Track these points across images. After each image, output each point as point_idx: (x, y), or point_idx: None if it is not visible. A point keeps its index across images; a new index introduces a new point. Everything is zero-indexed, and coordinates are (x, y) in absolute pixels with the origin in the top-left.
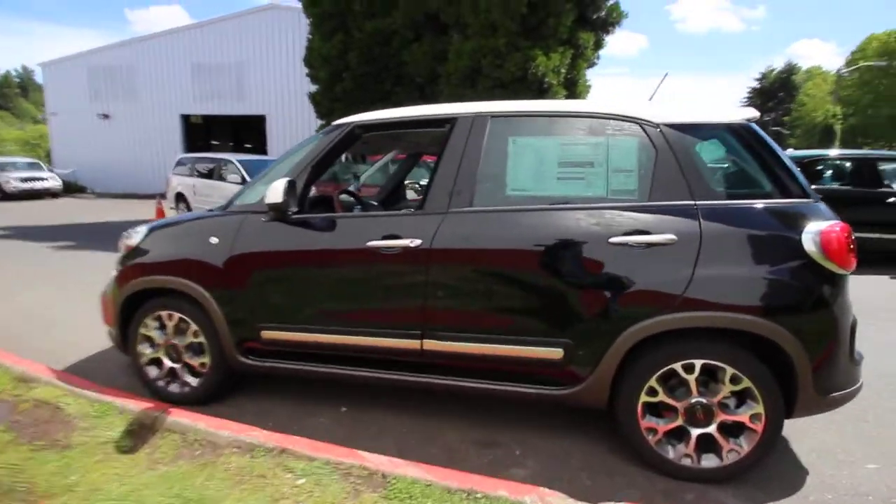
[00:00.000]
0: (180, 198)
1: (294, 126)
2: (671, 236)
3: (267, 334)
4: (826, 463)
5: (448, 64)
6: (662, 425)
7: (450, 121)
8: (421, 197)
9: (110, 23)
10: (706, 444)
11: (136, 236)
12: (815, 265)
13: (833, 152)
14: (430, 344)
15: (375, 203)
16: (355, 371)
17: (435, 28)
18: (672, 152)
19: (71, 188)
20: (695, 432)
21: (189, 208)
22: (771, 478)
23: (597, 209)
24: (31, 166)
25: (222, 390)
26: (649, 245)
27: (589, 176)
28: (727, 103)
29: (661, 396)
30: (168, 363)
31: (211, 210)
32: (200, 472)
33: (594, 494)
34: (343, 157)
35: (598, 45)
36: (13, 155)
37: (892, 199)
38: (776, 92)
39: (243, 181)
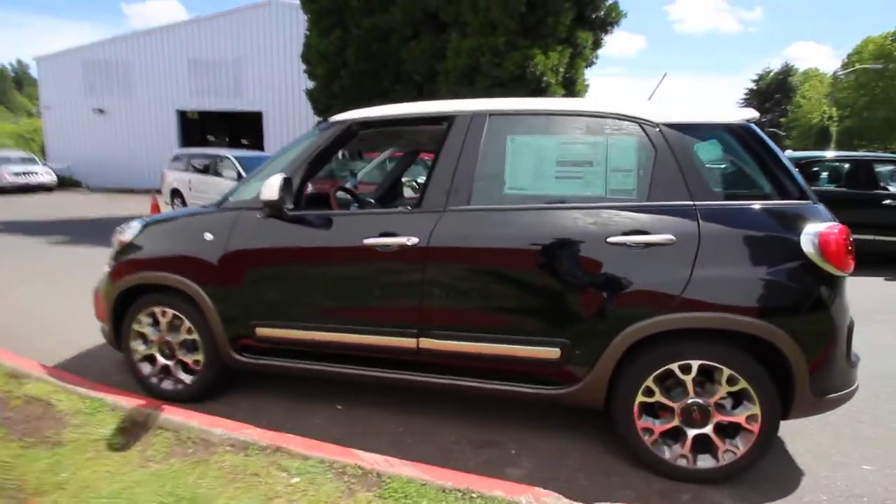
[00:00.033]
0: (176, 193)
1: (291, 123)
2: (669, 236)
3: (262, 332)
4: (821, 464)
5: (446, 62)
6: (659, 426)
7: (448, 118)
8: (418, 195)
9: (107, 17)
10: (702, 445)
11: (129, 232)
12: (813, 267)
13: (829, 154)
14: (427, 343)
15: (372, 200)
16: (351, 369)
17: (434, 26)
18: (671, 152)
19: (65, 183)
20: (691, 433)
21: (185, 204)
22: (766, 478)
23: (595, 209)
24: (25, 160)
25: (216, 388)
26: (647, 245)
27: (587, 175)
28: (725, 104)
29: (658, 397)
30: (161, 360)
31: (206, 206)
32: (193, 471)
33: (590, 495)
34: (340, 154)
35: (597, 44)
36: (7, 149)
37: (887, 201)
38: (773, 93)
39: (239, 177)
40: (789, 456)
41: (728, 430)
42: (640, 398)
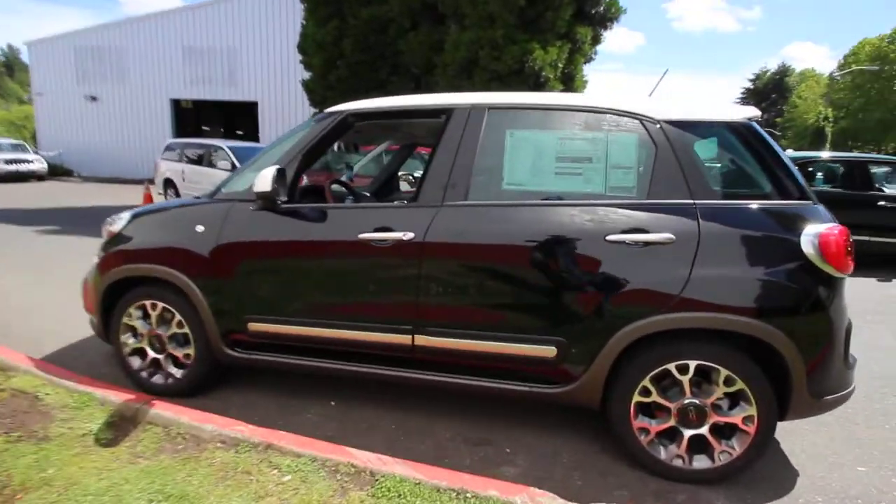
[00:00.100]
0: (169, 183)
1: (287, 114)
2: (669, 235)
3: (254, 326)
4: (816, 465)
5: (445, 55)
6: (655, 426)
7: (446, 111)
8: (415, 189)
9: (100, 2)
10: (698, 445)
11: (119, 222)
12: (812, 268)
13: (825, 154)
14: (422, 339)
15: (368, 194)
16: (345, 365)
17: (432, 18)
18: (672, 150)
19: (57, 171)
20: (687, 433)
21: (178, 194)
22: (762, 479)
23: (594, 206)
24: (16, 148)
25: (207, 382)
26: (647, 244)
27: (587, 172)
28: (724, 103)
29: (655, 397)
30: (152, 354)
31: (198, 197)
32: (183, 467)
33: (585, 495)
34: (335, 147)
35: (596, 40)
36: None
37: (882, 202)
38: (769, 93)
39: (233, 168)
40: (784, 456)
41: (724, 431)
42: (636, 398)
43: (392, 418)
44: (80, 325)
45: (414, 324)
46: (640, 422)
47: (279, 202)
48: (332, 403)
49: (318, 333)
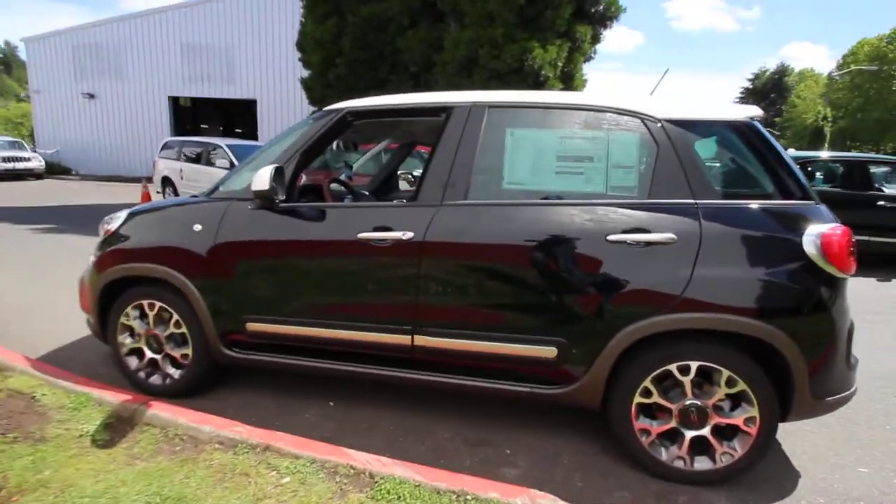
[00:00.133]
0: (167, 182)
1: (286, 111)
2: (671, 235)
3: (252, 326)
4: (818, 466)
5: (444, 53)
6: (656, 427)
7: (446, 110)
8: (414, 188)
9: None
10: (699, 447)
11: (115, 221)
12: (814, 268)
13: (824, 154)
14: (421, 340)
15: (367, 193)
16: (344, 366)
17: (432, 16)
18: (673, 149)
19: (54, 169)
20: (688, 434)
21: (176, 193)
22: (763, 480)
23: (595, 205)
24: (13, 146)
25: (205, 383)
26: (648, 244)
27: (588, 171)
28: (724, 102)
29: (656, 398)
30: (149, 354)
31: (195, 196)
32: (180, 469)
33: (586, 496)
34: (334, 145)
35: (596, 39)
36: None
37: (881, 202)
38: (768, 93)
39: (232, 166)
40: (786, 457)
41: (726, 432)
42: (637, 399)
43: (391, 418)
44: (77, 325)
45: (413, 324)
46: (641, 423)
47: (277, 201)
48: (331, 404)
49: (316, 334)
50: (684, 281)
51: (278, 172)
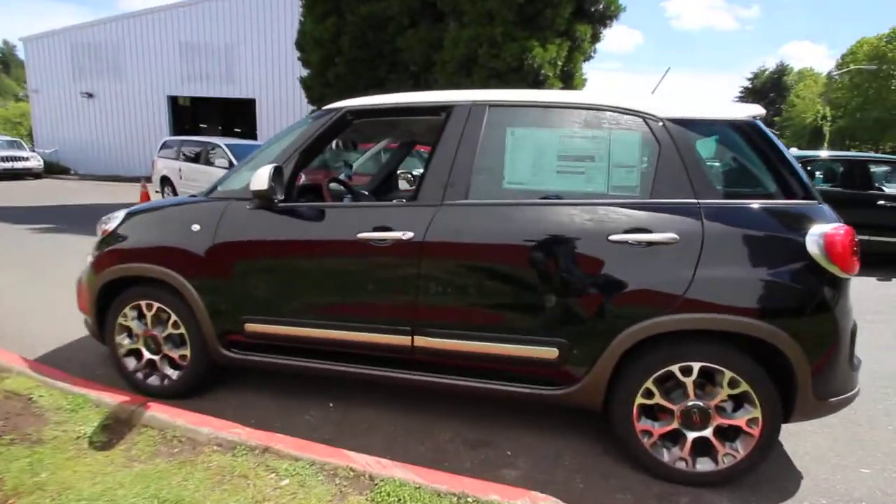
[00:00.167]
0: (166, 181)
1: (285, 111)
2: (673, 235)
3: (251, 327)
4: (820, 467)
5: (444, 52)
6: (658, 428)
7: (446, 108)
8: (414, 188)
9: None
10: (702, 448)
11: (113, 221)
12: (817, 268)
13: (824, 153)
14: (421, 341)
15: (366, 193)
16: (344, 367)
17: (431, 15)
18: (676, 148)
19: (53, 169)
20: (690, 436)
21: (175, 192)
22: (766, 481)
23: (596, 205)
24: (12, 145)
25: (204, 383)
26: (650, 244)
27: (589, 170)
28: (727, 100)
29: (658, 399)
30: (147, 355)
31: (193, 195)
32: (179, 472)
33: (587, 498)
34: (333, 145)
35: (595, 38)
36: None
37: (882, 202)
38: (767, 92)
39: (231, 166)
40: (788, 458)
41: (728, 434)
42: (639, 400)
43: (391, 419)
44: (75, 326)
45: (413, 325)
46: (642, 424)
47: (276, 201)
48: (331, 405)
49: (316, 334)
50: (686, 281)
51: (277, 172)
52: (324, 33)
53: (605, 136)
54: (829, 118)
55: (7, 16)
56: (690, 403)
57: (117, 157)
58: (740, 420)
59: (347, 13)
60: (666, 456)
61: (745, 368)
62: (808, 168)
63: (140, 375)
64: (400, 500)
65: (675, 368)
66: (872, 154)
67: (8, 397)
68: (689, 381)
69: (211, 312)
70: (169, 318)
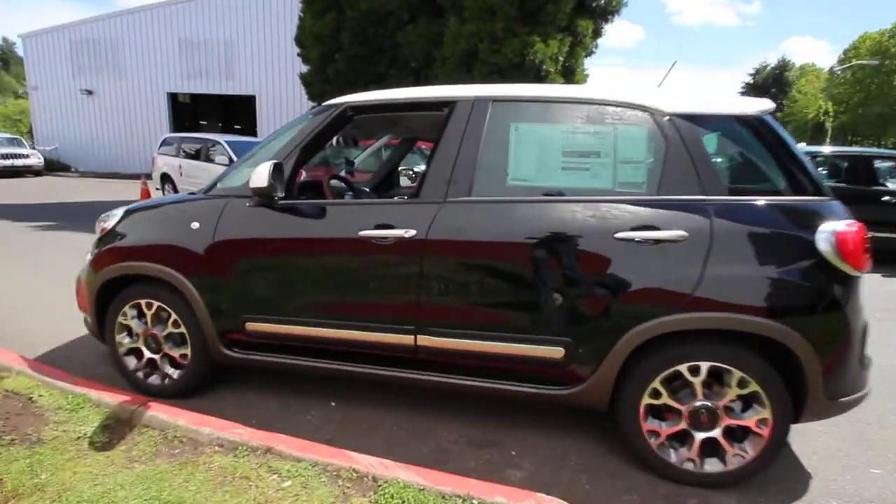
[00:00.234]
0: (166, 178)
1: (285, 107)
2: (681, 233)
3: (252, 326)
4: (829, 467)
5: (444, 48)
6: (665, 428)
7: (448, 104)
8: (416, 185)
9: None
10: (710, 449)
11: (112, 219)
12: (828, 266)
13: (827, 149)
14: (425, 340)
15: (367, 190)
16: (346, 366)
17: (431, 10)
18: (683, 144)
19: (53, 166)
20: (698, 436)
21: (175, 189)
22: (775, 482)
23: (602, 202)
24: (12, 142)
25: (205, 383)
26: (657, 241)
27: (595, 167)
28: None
29: (665, 399)
30: (147, 354)
31: (192, 193)
32: (180, 473)
33: (594, 498)
34: (334, 141)
35: (597, 33)
36: None
37: (887, 198)
38: (769, 88)
39: (231, 163)
40: (796, 458)
41: (737, 434)
42: (646, 400)
43: (393, 419)
44: (75, 324)
45: (416, 324)
46: (649, 424)
47: (276, 198)
48: (333, 404)
49: (317, 333)
50: (695, 279)
51: (277, 169)
52: (323, 29)
53: (611, 132)
54: (831, 114)
55: (7, 12)
56: (698, 403)
57: (117, 154)
58: (749, 420)
59: (347, 8)
60: (673, 456)
61: (754, 368)
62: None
63: (140, 374)
64: (404, 502)
65: (682, 368)
66: (877, 149)
67: (8, 397)
68: (697, 381)
69: (211, 311)
70: (169, 316)
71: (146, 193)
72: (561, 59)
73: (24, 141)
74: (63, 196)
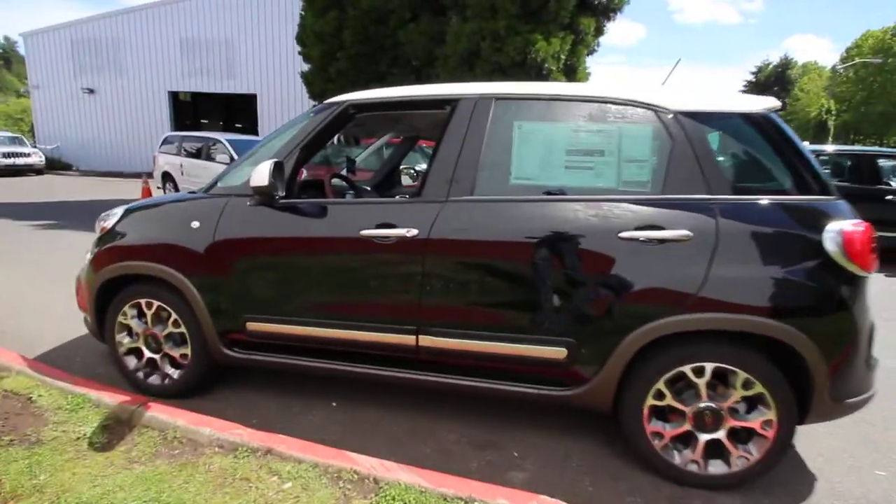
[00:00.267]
0: (167, 177)
1: (286, 106)
2: (686, 232)
3: (252, 326)
4: (834, 469)
5: (446, 46)
6: (669, 430)
7: (451, 102)
8: (417, 183)
9: None
10: (714, 450)
11: (111, 218)
12: (835, 266)
13: (831, 147)
14: (426, 340)
15: (369, 188)
16: (347, 366)
17: (433, 8)
18: (688, 142)
19: (54, 165)
20: (703, 438)
21: (176, 188)
22: (779, 484)
23: (606, 201)
24: (13, 141)
25: (205, 383)
26: (662, 241)
27: (598, 165)
28: (739, 93)
29: (669, 400)
30: (148, 353)
31: (193, 192)
32: (179, 474)
33: (596, 500)
34: (335, 140)
35: (599, 31)
36: None
37: (890, 197)
38: (771, 86)
39: (232, 162)
40: (801, 460)
41: (741, 436)
42: (650, 401)
43: (395, 420)
44: (75, 324)
45: (418, 324)
46: (653, 426)
47: (277, 197)
48: (334, 404)
49: (318, 333)
50: (700, 280)
51: (278, 167)
52: (325, 27)
53: (615, 130)
54: (833, 112)
55: (6, 11)
56: (703, 405)
57: (118, 152)
58: (754, 422)
59: (348, 7)
60: (677, 458)
61: (759, 369)
62: None
63: (141, 374)
64: None
65: (687, 369)
66: (880, 148)
67: (7, 397)
68: (701, 383)
69: (211, 311)
70: (169, 316)
71: (147, 192)
72: (563, 57)
73: (25, 140)
74: (64, 195)
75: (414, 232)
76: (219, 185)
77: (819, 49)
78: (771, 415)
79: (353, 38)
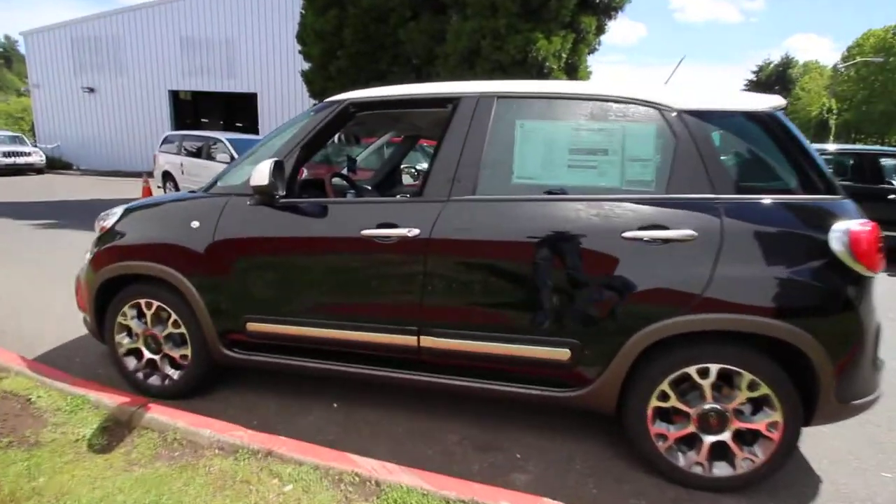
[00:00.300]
0: (167, 176)
1: (287, 105)
2: (690, 232)
3: (253, 326)
4: (839, 470)
5: (446, 45)
6: (673, 431)
7: (452, 100)
8: (419, 183)
9: None
10: (719, 452)
11: (111, 218)
12: (841, 266)
13: (832, 147)
14: (428, 341)
15: (369, 188)
16: (348, 367)
17: (433, 7)
18: (692, 141)
19: (55, 164)
20: (707, 439)
21: (177, 187)
22: (785, 486)
23: (609, 201)
24: (14, 140)
25: (205, 383)
26: (666, 241)
27: (602, 164)
28: (743, 91)
29: (673, 402)
30: (147, 354)
31: (192, 191)
32: (179, 476)
33: (600, 502)
34: (336, 138)
35: (600, 29)
36: None
37: (893, 196)
38: (772, 85)
39: (232, 161)
40: (806, 462)
41: (746, 438)
42: (654, 403)
43: (396, 421)
44: (75, 324)
45: (419, 324)
46: (657, 427)
47: (277, 196)
48: (335, 405)
49: (319, 334)
50: (705, 280)
51: (278, 167)
52: (325, 26)
53: (619, 129)
54: (834, 111)
55: (7, 10)
56: (707, 406)
57: (119, 152)
58: (759, 424)
59: (349, 5)
60: (681, 460)
61: (765, 370)
62: None
63: (140, 375)
64: None
65: (691, 370)
66: (883, 147)
67: (6, 398)
68: (706, 384)
69: (211, 311)
70: (169, 316)
71: (147, 191)
72: (564, 55)
73: (25, 139)
74: (65, 194)
75: (415, 231)
76: (219, 184)
77: (820, 48)
78: (776, 416)
79: (353, 36)
